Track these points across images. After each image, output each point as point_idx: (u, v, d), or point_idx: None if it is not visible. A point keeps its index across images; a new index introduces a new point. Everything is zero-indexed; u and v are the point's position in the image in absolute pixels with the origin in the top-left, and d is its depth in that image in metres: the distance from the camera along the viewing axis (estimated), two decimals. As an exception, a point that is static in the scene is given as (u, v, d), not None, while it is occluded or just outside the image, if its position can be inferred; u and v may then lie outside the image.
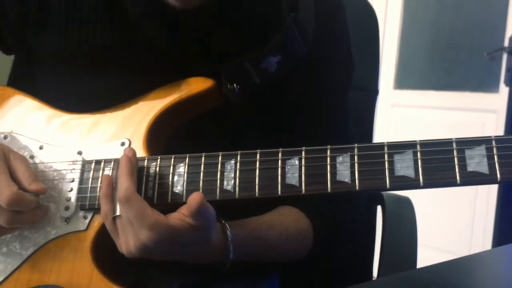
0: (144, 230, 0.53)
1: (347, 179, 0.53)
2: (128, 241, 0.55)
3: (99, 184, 0.62)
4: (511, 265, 0.79)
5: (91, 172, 0.63)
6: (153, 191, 0.59)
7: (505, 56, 2.64)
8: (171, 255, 0.58)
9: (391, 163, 0.52)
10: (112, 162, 0.62)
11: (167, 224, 0.54)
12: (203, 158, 0.59)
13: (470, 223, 2.72)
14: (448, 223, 2.75)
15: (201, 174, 0.58)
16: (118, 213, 0.56)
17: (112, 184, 0.57)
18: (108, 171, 0.62)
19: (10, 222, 0.59)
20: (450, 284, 0.64)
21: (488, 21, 2.76)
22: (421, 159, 0.52)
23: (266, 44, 0.66)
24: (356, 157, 0.54)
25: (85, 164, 0.64)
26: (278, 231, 0.66)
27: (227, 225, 0.60)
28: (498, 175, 0.49)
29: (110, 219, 0.57)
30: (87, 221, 0.62)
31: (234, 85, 0.66)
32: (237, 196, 0.56)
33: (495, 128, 2.61)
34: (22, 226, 0.63)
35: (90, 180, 0.63)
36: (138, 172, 0.60)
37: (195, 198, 0.53)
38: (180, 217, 0.54)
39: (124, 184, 0.54)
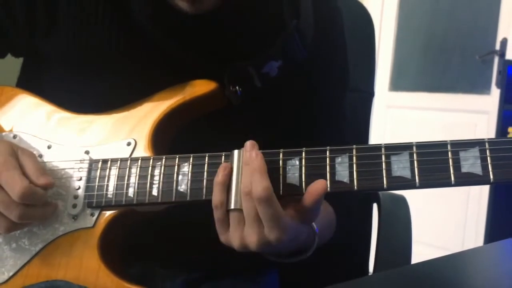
0: (276, 230, 0.52)
1: (345, 179, 0.53)
2: (246, 237, 0.54)
3: (105, 183, 0.62)
4: (502, 261, 0.80)
5: (98, 171, 0.63)
6: (158, 190, 0.59)
7: (496, 59, 2.65)
8: (280, 250, 0.57)
9: (388, 164, 0.53)
10: (119, 161, 0.63)
11: (295, 225, 0.53)
12: (206, 158, 0.59)
13: (463, 220, 2.72)
14: (442, 220, 2.76)
15: (205, 173, 0.58)
16: (236, 206, 0.54)
17: (230, 174, 0.55)
18: (114, 170, 0.62)
19: (21, 217, 0.58)
20: (444, 279, 0.64)
21: (480, 25, 2.76)
22: (417, 160, 0.52)
23: (268, 49, 0.67)
24: (354, 158, 0.54)
25: (92, 163, 0.64)
26: (322, 220, 0.66)
27: None
28: (491, 176, 0.50)
29: (224, 210, 0.54)
30: (94, 218, 0.62)
31: (237, 87, 0.66)
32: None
33: (487, 128, 2.61)
34: (32, 221, 0.63)
35: (97, 178, 0.63)
36: (143, 171, 0.61)
37: (320, 186, 0.52)
38: (297, 213, 0.54)
39: (263, 182, 0.52)
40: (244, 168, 0.54)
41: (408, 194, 0.96)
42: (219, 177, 0.54)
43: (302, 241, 0.58)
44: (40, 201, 0.60)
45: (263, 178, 0.52)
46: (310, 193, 0.52)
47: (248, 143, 0.55)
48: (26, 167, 0.61)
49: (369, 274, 0.99)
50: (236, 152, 0.56)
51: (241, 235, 0.54)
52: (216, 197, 0.54)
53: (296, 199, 0.54)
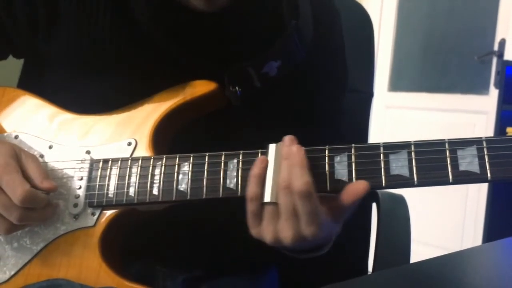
0: (313, 227, 0.52)
1: (344, 178, 0.54)
2: (281, 231, 0.53)
3: (106, 182, 0.62)
4: (500, 260, 0.80)
5: (99, 170, 0.63)
6: (158, 189, 0.60)
7: (494, 60, 2.65)
8: (310, 245, 0.57)
9: (387, 163, 0.53)
10: (119, 161, 0.63)
11: (331, 221, 0.53)
12: (206, 157, 0.59)
13: (461, 220, 2.72)
14: (440, 220, 2.76)
15: (205, 172, 0.58)
16: (272, 200, 0.53)
17: (267, 168, 0.54)
18: (115, 170, 0.62)
19: (21, 219, 0.59)
20: (443, 278, 0.64)
21: (479, 26, 2.76)
22: (415, 159, 0.52)
23: (268, 49, 0.67)
24: (353, 156, 0.54)
25: (93, 163, 0.64)
26: None
27: None
28: (489, 174, 0.50)
29: (259, 203, 0.53)
30: (95, 217, 0.62)
31: (237, 88, 0.66)
32: (239, 193, 0.56)
33: (485, 128, 2.61)
34: (32, 223, 0.63)
35: (98, 178, 0.63)
36: (144, 171, 0.61)
37: (362, 187, 0.52)
38: (330, 211, 0.53)
39: (305, 177, 0.51)
40: (282, 162, 0.53)
41: (407, 194, 0.97)
42: (256, 169, 0.54)
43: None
44: (41, 204, 0.60)
45: (304, 172, 0.52)
46: (348, 193, 0.52)
47: (287, 138, 0.55)
48: (29, 170, 0.61)
49: (368, 273, 0.99)
50: (272, 146, 0.55)
51: (275, 229, 0.53)
52: (252, 190, 0.54)
53: (331, 197, 0.53)
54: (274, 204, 0.53)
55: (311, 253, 0.60)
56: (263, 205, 0.54)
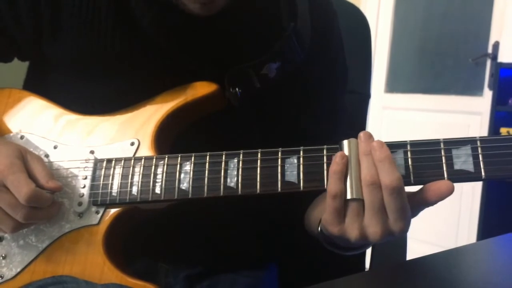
0: (402, 222, 0.50)
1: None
2: (368, 227, 0.51)
3: (110, 181, 0.62)
4: (494, 257, 0.80)
5: (103, 170, 0.63)
6: (161, 188, 0.60)
7: (488, 62, 2.65)
8: (394, 239, 0.55)
9: (384, 162, 0.53)
10: (123, 161, 0.63)
11: (411, 216, 0.52)
12: (207, 157, 0.59)
13: (456, 218, 2.72)
14: (436, 218, 2.76)
15: (206, 172, 0.58)
16: (357, 196, 0.51)
17: (347, 164, 0.52)
18: (118, 169, 0.62)
19: (26, 218, 0.59)
20: (438, 275, 0.64)
21: (473, 29, 2.77)
22: (411, 158, 0.52)
23: (267, 51, 0.67)
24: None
25: (97, 162, 0.64)
26: None
27: None
28: (483, 173, 0.50)
29: (342, 200, 0.52)
30: (99, 215, 0.62)
31: (237, 89, 0.66)
32: (239, 192, 0.56)
33: (480, 129, 2.61)
34: (37, 222, 0.63)
35: (102, 177, 0.63)
36: (146, 170, 0.61)
37: (450, 187, 0.50)
38: (417, 205, 0.52)
39: (396, 173, 0.49)
40: (363, 158, 0.52)
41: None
42: (337, 166, 0.52)
43: None
44: (46, 203, 0.60)
45: (394, 168, 0.50)
46: (433, 191, 0.51)
47: (365, 133, 0.53)
48: (35, 170, 0.61)
49: (366, 269, 0.99)
50: (348, 142, 0.53)
51: (360, 225, 0.52)
52: (334, 187, 0.52)
53: (412, 193, 0.52)
54: (358, 200, 0.51)
55: (358, 249, 0.59)
56: (346, 202, 0.52)
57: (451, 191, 0.50)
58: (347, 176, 0.52)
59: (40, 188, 0.59)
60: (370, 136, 0.53)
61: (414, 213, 0.53)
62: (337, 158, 0.52)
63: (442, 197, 0.50)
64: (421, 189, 0.52)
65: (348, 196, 0.51)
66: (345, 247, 0.59)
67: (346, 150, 0.53)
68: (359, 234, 0.52)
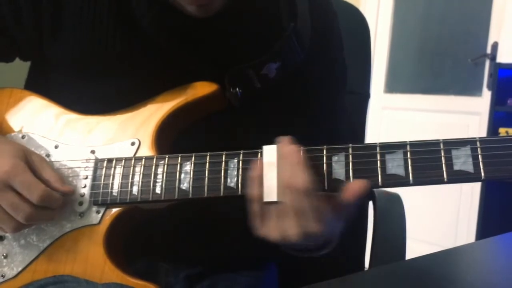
0: (317, 223, 0.51)
1: (342, 177, 0.53)
2: (287, 229, 0.52)
3: (111, 181, 0.62)
4: (492, 257, 0.80)
5: (104, 169, 0.63)
6: (161, 188, 0.60)
7: (487, 62, 2.65)
8: (315, 242, 0.57)
9: (383, 162, 0.53)
10: (123, 161, 0.63)
11: (334, 218, 0.53)
12: (208, 157, 0.59)
13: (455, 217, 2.72)
14: (435, 217, 2.76)
15: (206, 172, 0.58)
16: (276, 199, 0.52)
17: (266, 169, 0.53)
18: (119, 169, 0.62)
19: (27, 218, 0.59)
20: (437, 274, 0.64)
21: (472, 29, 2.77)
22: (411, 159, 0.52)
23: (267, 51, 0.67)
24: (350, 156, 0.54)
25: (98, 162, 0.64)
26: None
27: None
28: (482, 174, 0.50)
29: (261, 203, 0.53)
30: (99, 215, 0.62)
31: (237, 89, 0.66)
32: (239, 192, 0.56)
33: (479, 129, 2.61)
34: (39, 222, 0.63)
35: (103, 177, 0.63)
36: (147, 170, 0.61)
37: (363, 185, 0.51)
38: (338, 206, 0.53)
39: (306, 175, 0.51)
40: (282, 162, 0.53)
41: (402, 192, 0.96)
42: (256, 171, 0.53)
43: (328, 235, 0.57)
44: (57, 204, 0.60)
45: (305, 170, 0.52)
46: (349, 191, 0.52)
47: (285, 138, 0.54)
48: (44, 172, 0.61)
49: (365, 269, 0.99)
50: (271, 147, 0.54)
51: (281, 227, 0.53)
52: (253, 191, 0.53)
53: (332, 195, 0.53)
54: (277, 203, 0.53)
55: (314, 252, 0.60)
56: (266, 205, 0.53)
57: (367, 189, 0.51)
58: (268, 180, 0.53)
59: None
60: (290, 141, 0.54)
61: (340, 215, 0.54)
62: (255, 163, 0.54)
63: (359, 195, 0.52)
64: (342, 190, 0.53)
65: (269, 199, 0.53)
66: (303, 249, 0.60)
67: (271, 154, 0.54)
68: (280, 236, 0.53)
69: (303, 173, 0.51)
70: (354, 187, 0.52)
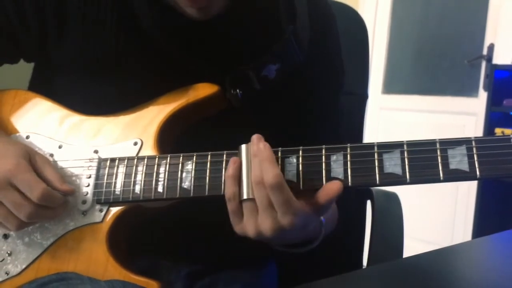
0: (289, 216, 0.52)
1: (340, 176, 0.54)
2: (260, 224, 0.53)
3: (113, 180, 0.62)
4: (488, 255, 0.80)
5: (107, 169, 0.63)
6: (163, 187, 0.60)
7: (483, 64, 2.65)
8: (291, 238, 0.57)
9: (381, 162, 0.53)
10: (126, 160, 0.63)
11: (306, 212, 0.53)
12: (209, 156, 0.59)
13: (452, 216, 2.73)
14: (432, 216, 2.76)
15: (208, 171, 0.58)
16: (249, 196, 0.53)
17: (241, 167, 0.55)
18: (122, 168, 0.63)
19: (30, 217, 0.59)
20: (434, 272, 0.64)
21: (469, 31, 2.77)
22: (408, 158, 0.52)
23: (267, 53, 0.67)
24: (348, 155, 0.54)
25: (101, 161, 0.64)
26: (332, 210, 0.66)
27: None
28: (478, 173, 0.50)
29: (237, 201, 0.54)
30: (102, 213, 0.63)
31: (237, 90, 0.66)
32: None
33: (475, 129, 2.62)
34: (41, 221, 0.63)
35: (106, 176, 0.63)
36: (149, 169, 0.61)
37: (336, 187, 0.52)
38: (310, 204, 0.54)
39: (274, 170, 0.52)
40: (253, 160, 0.54)
41: (400, 191, 0.97)
42: (230, 170, 0.54)
43: (310, 231, 0.58)
44: (57, 203, 0.60)
45: (273, 166, 0.52)
46: (324, 192, 0.53)
47: (255, 137, 0.55)
48: (46, 172, 0.61)
49: (363, 267, 0.99)
50: (243, 146, 0.56)
51: (255, 223, 0.54)
52: (229, 190, 0.54)
53: (311, 192, 0.54)
54: (251, 200, 0.54)
55: (300, 248, 0.60)
56: (241, 203, 0.54)
57: (339, 190, 0.52)
58: (242, 179, 0.54)
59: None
60: (259, 139, 0.55)
61: (317, 211, 0.54)
62: (230, 163, 0.55)
63: (332, 196, 0.52)
64: (318, 191, 0.53)
65: (242, 197, 0.54)
66: (289, 245, 0.60)
67: (243, 153, 0.55)
68: (255, 231, 0.54)
69: (271, 169, 0.52)
70: (328, 188, 0.52)
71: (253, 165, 0.54)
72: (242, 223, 0.55)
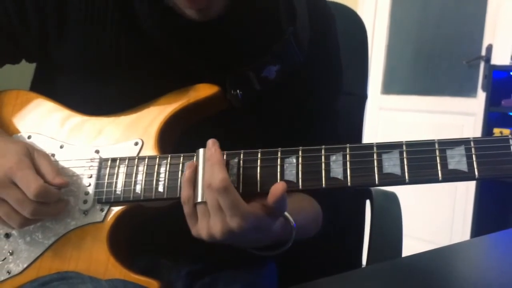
0: (237, 218, 0.52)
1: (340, 176, 0.54)
2: (212, 227, 0.54)
3: (114, 180, 0.62)
4: (487, 254, 0.80)
5: (108, 169, 0.63)
6: (163, 187, 0.60)
7: (482, 64, 2.65)
8: (246, 240, 0.57)
9: (380, 162, 0.53)
10: (127, 160, 0.63)
11: (256, 214, 0.54)
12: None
13: (450, 216, 2.73)
14: (431, 216, 2.76)
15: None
16: (201, 199, 0.54)
17: (196, 171, 0.56)
18: (123, 168, 0.63)
19: (33, 213, 0.59)
20: (432, 271, 0.64)
21: (467, 32, 2.77)
22: (407, 158, 0.52)
23: (267, 54, 0.67)
24: (348, 156, 0.54)
25: (102, 161, 0.64)
26: (304, 215, 0.66)
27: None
28: (476, 173, 0.50)
29: (192, 204, 0.55)
30: (103, 213, 0.63)
31: (238, 91, 0.66)
32: (240, 191, 0.56)
33: (473, 129, 2.62)
34: (44, 217, 0.63)
35: (107, 176, 0.63)
36: (150, 169, 0.61)
37: (280, 187, 0.52)
38: (263, 206, 0.54)
39: (221, 174, 0.53)
40: (206, 164, 0.55)
41: (399, 191, 0.97)
42: (186, 174, 0.55)
43: (277, 234, 0.58)
44: (53, 199, 0.60)
45: (220, 170, 0.53)
46: (271, 193, 0.53)
47: (210, 141, 0.56)
48: (42, 167, 0.61)
49: (363, 266, 0.99)
50: (201, 150, 0.56)
51: (207, 226, 0.55)
52: (184, 193, 0.55)
53: (264, 195, 0.54)
54: (203, 203, 0.54)
55: (273, 250, 0.61)
56: (195, 206, 0.55)
57: (283, 191, 0.52)
58: (197, 182, 0.55)
59: (47, 184, 0.59)
60: (214, 143, 0.56)
61: (272, 213, 0.55)
62: (186, 167, 0.56)
63: (277, 197, 0.53)
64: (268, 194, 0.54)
65: (196, 200, 0.55)
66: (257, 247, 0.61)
67: (200, 157, 0.56)
68: (207, 234, 0.55)
69: (219, 173, 0.53)
70: (274, 189, 0.53)
71: (206, 169, 0.55)
72: (196, 225, 0.56)
